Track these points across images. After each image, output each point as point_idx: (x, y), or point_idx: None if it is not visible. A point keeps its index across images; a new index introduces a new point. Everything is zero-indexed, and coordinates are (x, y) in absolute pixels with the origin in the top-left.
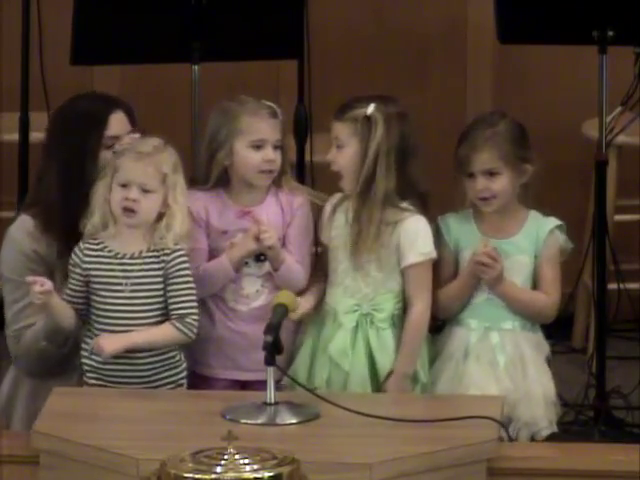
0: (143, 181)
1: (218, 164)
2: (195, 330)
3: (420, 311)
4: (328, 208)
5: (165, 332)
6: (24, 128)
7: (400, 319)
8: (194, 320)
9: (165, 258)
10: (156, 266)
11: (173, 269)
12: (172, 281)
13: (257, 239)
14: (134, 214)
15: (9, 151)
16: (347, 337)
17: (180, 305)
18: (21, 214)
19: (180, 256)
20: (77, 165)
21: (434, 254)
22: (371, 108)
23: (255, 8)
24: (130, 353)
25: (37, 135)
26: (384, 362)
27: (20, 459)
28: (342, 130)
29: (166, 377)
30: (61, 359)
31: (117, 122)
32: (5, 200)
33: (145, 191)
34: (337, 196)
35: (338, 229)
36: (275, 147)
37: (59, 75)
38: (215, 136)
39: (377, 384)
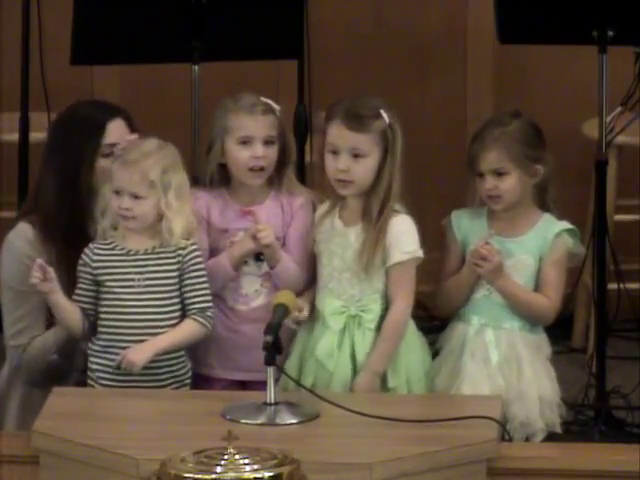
0: (132, 189)
1: (212, 161)
2: (213, 324)
3: (400, 309)
4: (316, 218)
5: (187, 329)
6: (24, 128)
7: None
8: (213, 313)
9: (181, 252)
10: (172, 260)
11: (190, 263)
12: (190, 275)
13: (254, 237)
14: (131, 220)
15: (9, 151)
16: (334, 339)
17: (200, 299)
18: (20, 221)
19: (195, 250)
20: (73, 173)
21: (419, 253)
22: (387, 115)
23: (255, 8)
24: None
25: (37, 135)
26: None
27: (20, 459)
28: (363, 141)
29: (174, 376)
30: (67, 370)
31: (115, 130)
32: (5, 200)
33: (136, 197)
34: (325, 205)
35: (323, 234)
36: (266, 143)
37: (59, 75)
38: (211, 132)
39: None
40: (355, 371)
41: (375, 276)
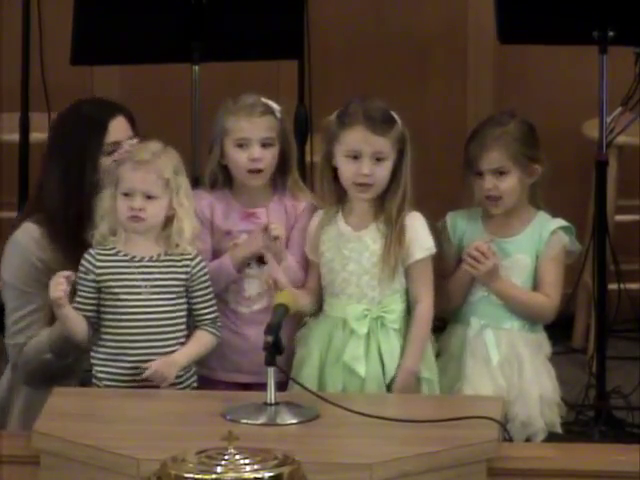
0: (146, 188)
1: (211, 162)
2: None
3: (427, 307)
4: (313, 226)
5: (204, 343)
6: (24, 128)
7: (405, 320)
8: (220, 322)
9: (189, 263)
10: (179, 270)
11: (199, 274)
12: (200, 286)
13: (265, 229)
14: (142, 221)
15: (9, 151)
16: (360, 344)
17: (210, 309)
18: (25, 221)
19: (202, 260)
20: (77, 172)
21: (434, 249)
22: (398, 118)
23: (255, 8)
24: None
25: (37, 135)
26: (391, 364)
27: (20, 459)
28: (385, 144)
29: (180, 380)
30: (62, 368)
31: (117, 128)
32: (5, 200)
33: (149, 197)
34: (320, 213)
35: (330, 241)
36: (263, 145)
37: (59, 75)
38: (212, 133)
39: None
40: (385, 373)
41: (395, 276)
